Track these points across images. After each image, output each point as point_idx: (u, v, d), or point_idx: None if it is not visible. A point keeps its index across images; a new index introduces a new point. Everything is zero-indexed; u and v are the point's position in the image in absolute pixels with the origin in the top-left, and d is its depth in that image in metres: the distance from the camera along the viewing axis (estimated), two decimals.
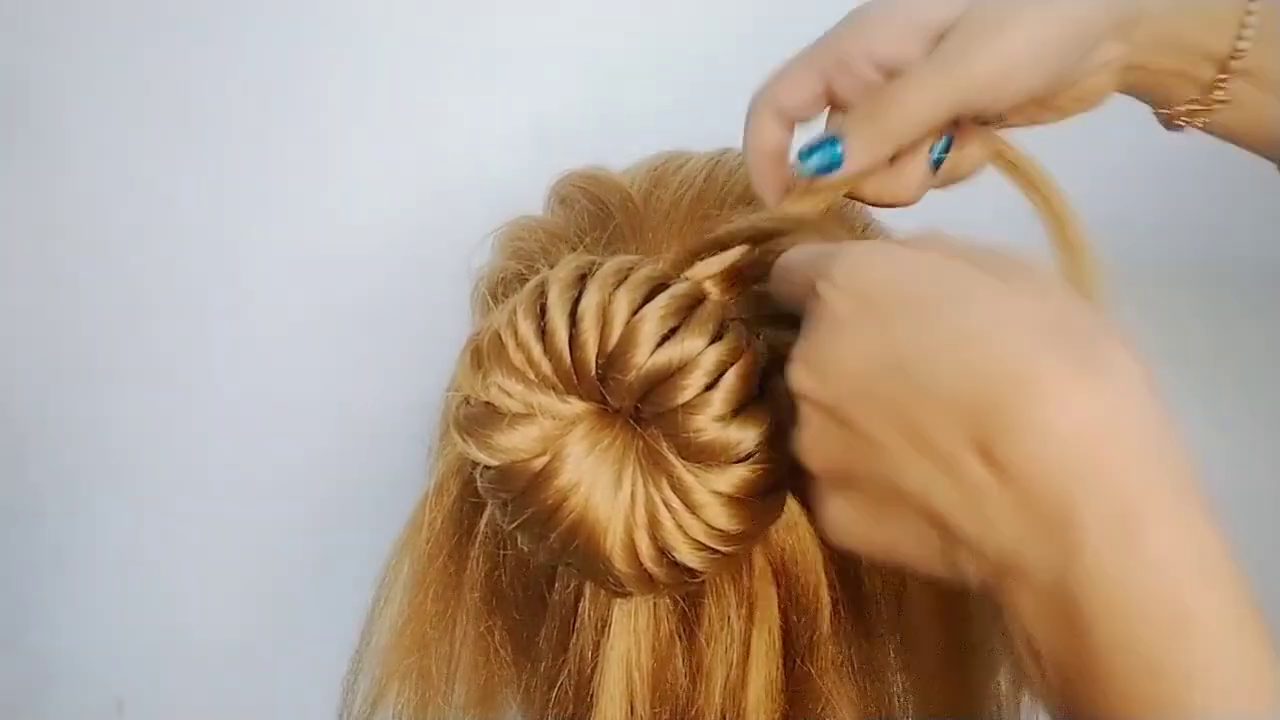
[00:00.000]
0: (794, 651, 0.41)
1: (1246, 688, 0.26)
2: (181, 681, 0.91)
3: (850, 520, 0.32)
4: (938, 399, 0.28)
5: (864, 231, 0.45)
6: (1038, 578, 0.27)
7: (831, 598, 0.41)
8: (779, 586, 0.40)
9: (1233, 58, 0.41)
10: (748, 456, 0.36)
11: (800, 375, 0.32)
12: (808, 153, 0.39)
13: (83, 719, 0.93)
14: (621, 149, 0.49)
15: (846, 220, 0.45)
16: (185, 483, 0.87)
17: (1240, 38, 0.41)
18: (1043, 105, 0.41)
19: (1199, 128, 0.44)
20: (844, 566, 0.41)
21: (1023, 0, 0.37)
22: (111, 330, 0.85)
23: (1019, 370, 0.27)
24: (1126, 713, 0.26)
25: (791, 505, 0.40)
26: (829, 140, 0.38)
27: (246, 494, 0.86)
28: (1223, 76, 0.41)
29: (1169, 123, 0.44)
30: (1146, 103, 0.44)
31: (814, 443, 0.32)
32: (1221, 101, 0.42)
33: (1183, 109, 0.43)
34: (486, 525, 0.42)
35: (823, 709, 0.41)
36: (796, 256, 0.36)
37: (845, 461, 0.31)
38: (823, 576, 0.40)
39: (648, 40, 0.76)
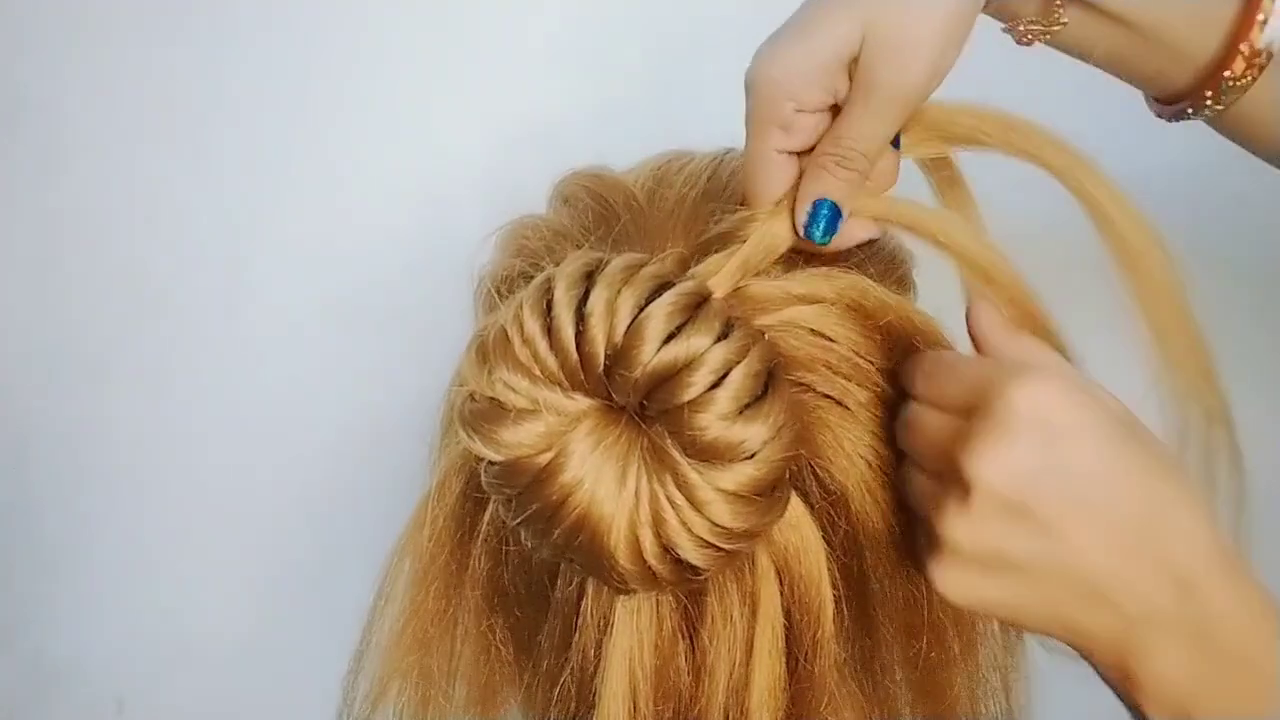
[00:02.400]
0: (797, 650, 0.41)
1: None
2: (181, 681, 0.90)
3: (983, 592, 0.37)
4: (1124, 518, 0.36)
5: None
6: (1178, 625, 0.36)
7: (834, 596, 0.41)
8: (782, 585, 0.40)
9: None
10: (752, 454, 0.36)
11: (985, 466, 0.36)
12: (814, 225, 0.41)
13: (83, 719, 0.93)
14: (623, 149, 0.49)
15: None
16: (185, 482, 0.87)
17: None
18: None
19: (1044, 43, 0.45)
20: (847, 565, 0.41)
21: (907, 11, 0.39)
22: (111, 330, 0.85)
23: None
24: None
25: (794, 503, 0.40)
26: (819, 205, 0.41)
27: (247, 493, 0.86)
28: (1059, 2, 0.43)
29: (1020, 40, 0.46)
30: (998, 19, 0.46)
31: (979, 528, 0.36)
32: (1060, 24, 0.44)
33: (1023, 28, 0.45)
34: (489, 523, 0.42)
35: (826, 707, 0.41)
36: (964, 361, 0.39)
37: (1008, 545, 0.36)
38: (825, 575, 0.40)
39: (649, 40, 0.76)
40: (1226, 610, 0.35)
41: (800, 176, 0.42)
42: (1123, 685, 0.37)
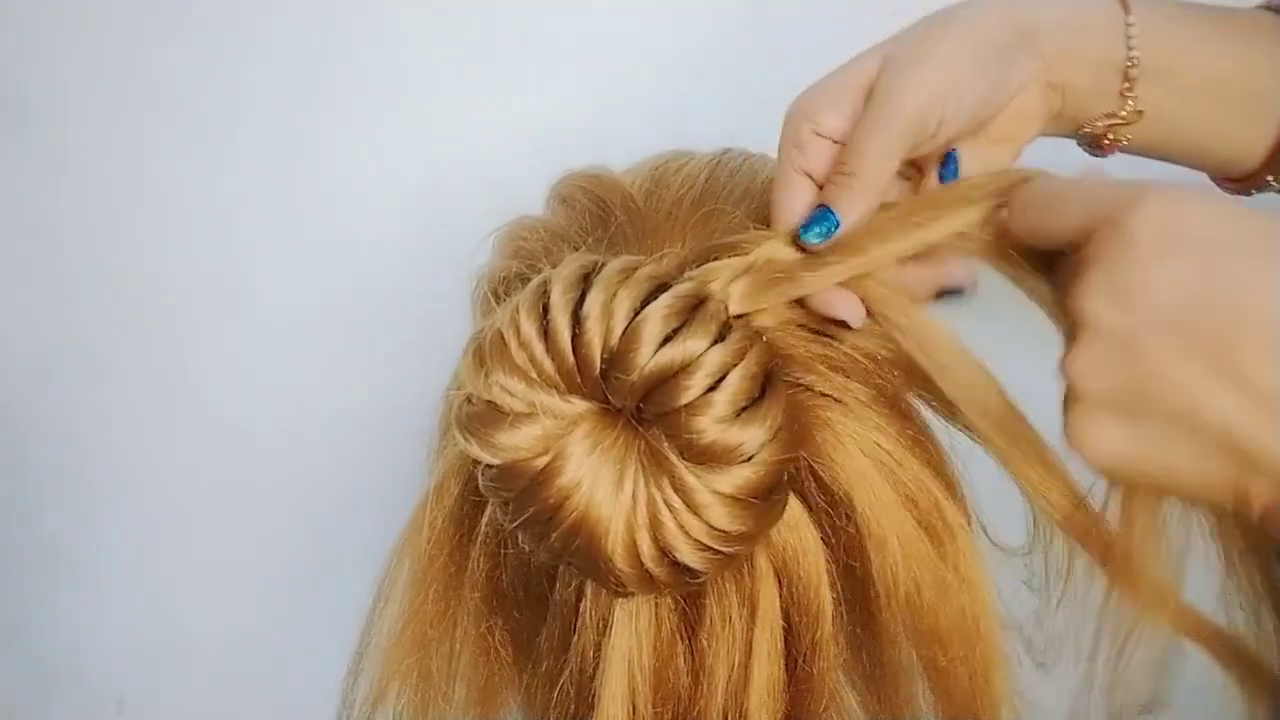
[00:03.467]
0: (796, 651, 0.41)
1: None
2: (181, 681, 0.90)
3: (1123, 442, 0.34)
4: (1262, 337, 0.30)
5: None
6: None
7: (834, 597, 0.41)
8: (781, 586, 0.40)
9: (1129, 65, 0.43)
10: (750, 457, 0.36)
11: (1099, 303, 0.33)
12: (807, 227, 0.41)
13: (83, 719, 0.93)
14: (621, 149, 0.49)
15: None
16: (185, 482, 0.87)
17: (1129, 46, 0.43)
18: (989, 138, 0.44)
19: (1123, 146, 0.45)
20: (849, 566, 0.41)
21: (936, 36, 0.41)
22: (111, 330, 0.85)
23: None
24: None
25: (793, 505, 0.40)
26: (821, 211, 0.41)
27: (247, 494, 0.86)
28: (1127, 85, 0.43)
29: (1097, 146, 0.46)
30: (1073, 136, 0.46)
31: (1099, 367, 0.33)
32: (1137, 112, 0.44)
33: (1102, 125, 0.44)
34: (487, 524, 0.42)
35: (825, 709, 0.41)
36: (1074, 189, 0.36)
37: (1134, 388, 0.32)
38: (824, 577, 0.40)
39: (647, 40, 0.76)
40: None
41: None
42: None
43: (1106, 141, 0.45)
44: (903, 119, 0.40)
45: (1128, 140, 0.45)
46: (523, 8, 0.76)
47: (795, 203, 0.42)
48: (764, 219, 0.43)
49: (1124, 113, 0.44)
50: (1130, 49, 0.43)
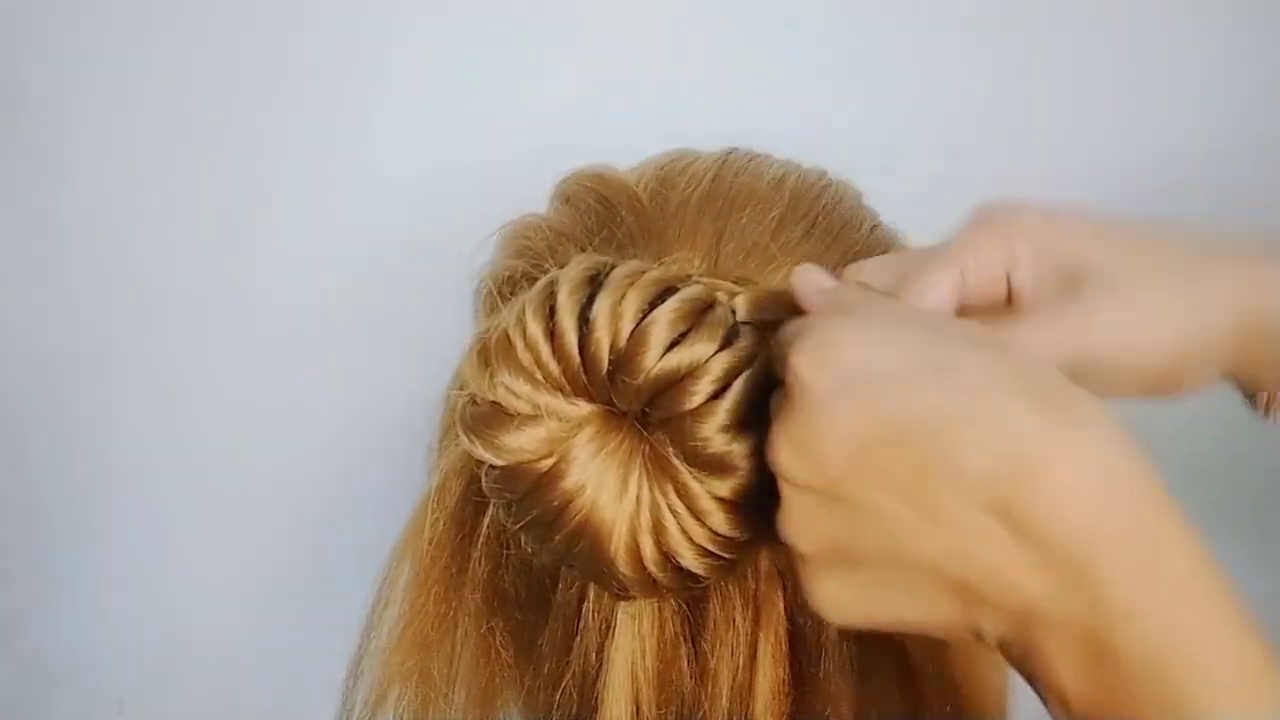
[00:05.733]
0: (801, 653, 0.41)
1: (1255, 689, 0.28)
2: (181, 681, 0.90)
3: (850, 598, 0.32)
4: (947, 470, 0.29)
5: (871, 231, 0.45)
6: (1066, 623, 0.28)
7: None
8: (785, 589, 0.40)
9: None
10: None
11: (785, 457, 0.31)
12: None
13: (82, 719, 0.93)
14: (625, 147, 0.49)
15: (854, 223, 0.44)
16: (186, 482, 0.87)
17: None
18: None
19: None
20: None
21: (1164, 274, 0.36)
22: (112, 330, 0.85)
23: (1021, 435, 0.28)
24: None
25: None
26: None
27: (247, 494, 0.86)
28: None
29: (1262, 411, 0.41)
30: (1240, 389, 0.42)
31: (804, 524, 0.32)
32: None
33: (1265, 396, 0.40)
34: (489, 525, 0.42)
35: (830, 711, 0.41)
36: (781, 333, 0.35)
37: (842, 539, 0.31)
38: None
39: (650, 38, 0.75)
40: (1129, 594, 0.28)
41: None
42: (1042, 696, 0.31)
43: (1267, 412, 0.41)
44: (1077, 346, 0.35)
45: None
46: (523, 7, 0.76)
47: (940, 291, 0.37)
48: (767, 224, 0.43)
49: None
50: None
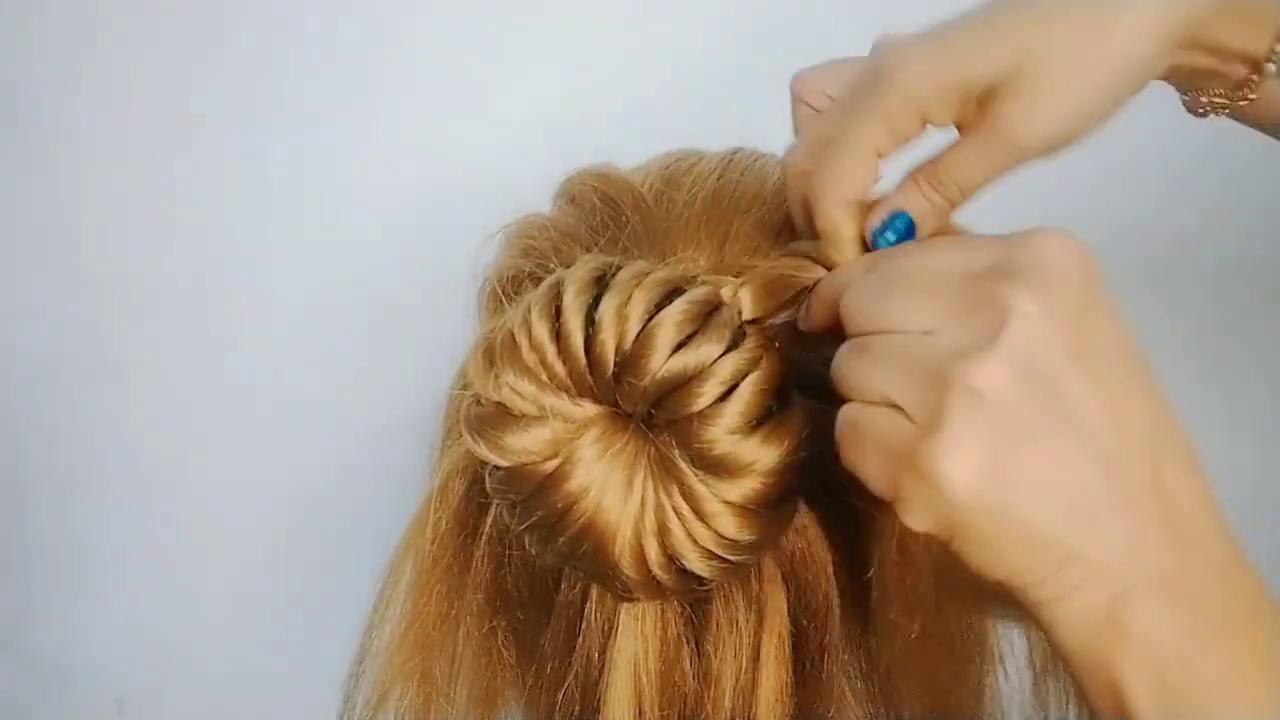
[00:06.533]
0: (804, 655, 0.40)
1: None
2: (181, 681, 0.90)
3: (997, 470, 0.31)
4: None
5: None
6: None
7: (841, 602, 0.40)
8: (788, 591, 0.40)
9: (1269, 60, 0.40)
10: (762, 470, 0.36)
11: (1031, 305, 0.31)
12: (881, 232, 0.38)
13: (83, 719, 0.92)
14: (627, 147, 0.48)
15: None
16: (185, 482, 0.87)
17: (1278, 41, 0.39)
18: None
19: (1223, 115, 0.43)
20: (854, 571, 0.41)
21: (1072, 52, 0.35)
22: (111, 330, 0.85)
23: None
24: None
25: (801, 508, 0.39)
26: (897, 217, 0.38)
27: (247, 493, 0.86)
28: (1255, 78, 0.40)
29: (1194, 110, 0.43)
30: (1175, 88, 0.44)
31: (999, 370, 0.31)
32: (1248, 99, 0.41)
33: (1206, 100, 0.42)
34: (492, 525, 0.42)
35: (834, 712, 0.41)
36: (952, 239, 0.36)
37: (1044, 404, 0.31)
38: (833, 580, 0.40)
39: (652, 38, 0.75)
40: (1214, 574, 0.31)
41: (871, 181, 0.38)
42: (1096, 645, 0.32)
43: (1202, 112, 0.43)
44: (1017, 153, 0.37)
45: (1227, 114, 0.42)
46: (524, 7, 0.76)
47: (858, 183, 0.38)
48: (772, 225, 0.42)
49: (1234, 98, 0.41)
50: (1278, 45, 0.39)
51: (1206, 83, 0.42)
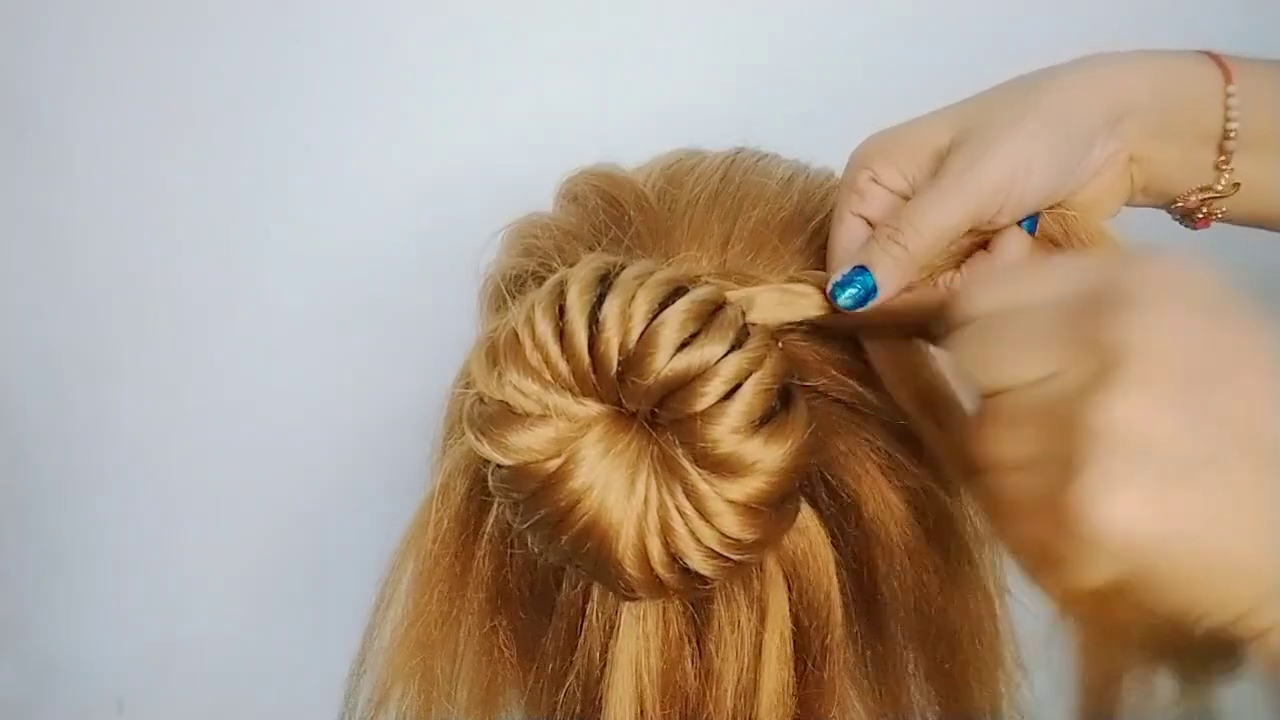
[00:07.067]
0: (806, 655, 0.40)
1: None
2: (181, 681, 0.90)
3: (1171, 505, 0.30)
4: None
5: None
6: None
7: (843, 601, 0.40)
8: (790, 590, 0.40)
9: (1226, 138, 0.41)
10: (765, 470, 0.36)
11: (1147, 337, 0.30)
12: (841, 287, 0.40)
13: (83, 719, 0.92)
14: (629, 147, 0.49)
15: None
16: (185, 482, 0.87)
17: (1228, 118, 0.41)
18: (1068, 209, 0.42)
19: (1220, 217, 0.43)
20: (856, 571, 0.41)
21: (1016, 112, 0.39)
22: (111, 330, 0.85)
23: None
24: None
25: (803, 509, 0.39)
26: (858, 271, 0.40)
27: (247, 493, 0.86)
28: (1223, 158, 0.41)
29: (1190, 220, 0.44)
30: (1165, 208, 0.44)
31: (1148, 408, 0.30)
32: (1234, 185, 0.42)
33: (1195, 198, 0.43)
34: (493, 524, 0.42)
35: (836, 712, 0.41)
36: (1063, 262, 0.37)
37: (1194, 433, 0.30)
38: (834, 580, 0.40)
39: (655, 38, 0.75)
40: None
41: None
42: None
43: (1200, 216, 0.43)
44: (967, 205, 0.39)
45: (1223, 213, 0.43)
46: (523, 6, 0.76)
47: (850, 243, 0.41)
48: (776, 225, 0.42)
49: (1219, 186, 0.42)
50: (1229, 121, 0.40)
51: (1182, 177, 0.42)
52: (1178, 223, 0.45)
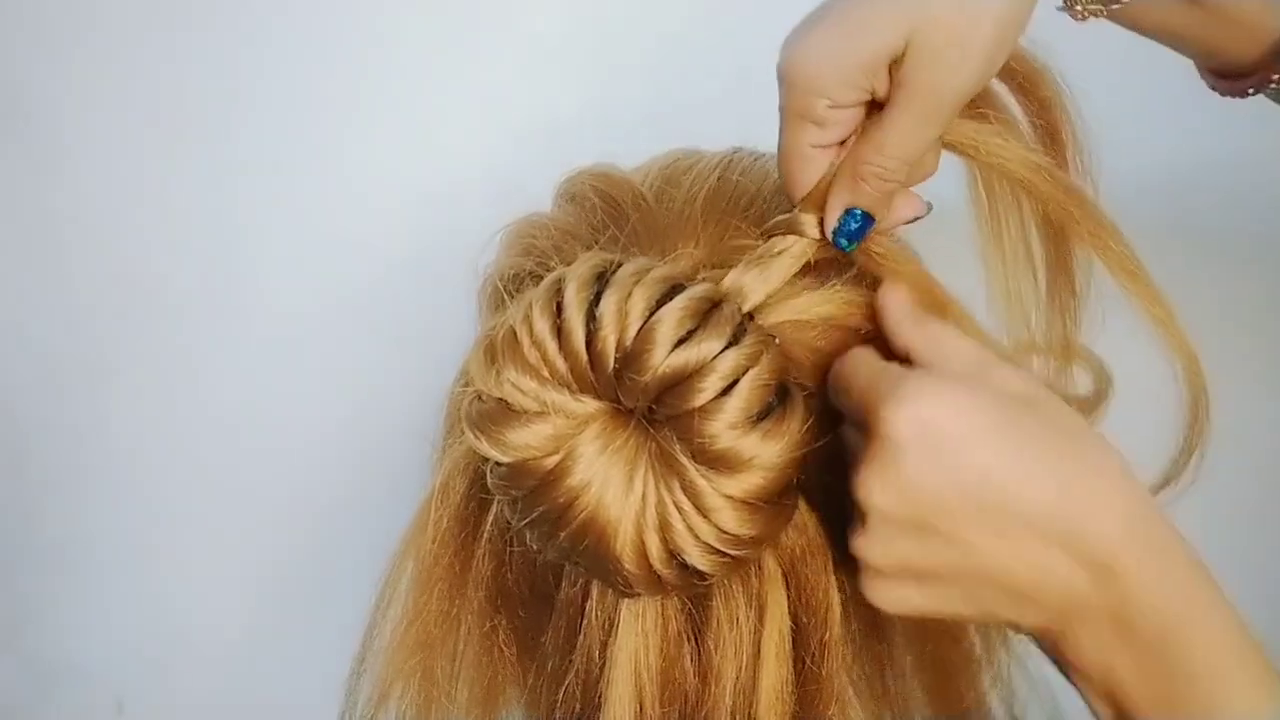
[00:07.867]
0: (804, 652, 0.41)
1: (1241, 657, 0.34)
2: (181, 681, 0.90)
3: (913, 601, 0.37)
4: (1029, 514, 0.34)
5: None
6: (1100, 611, 0.35)
7: (841, 599, 0.40)
8: (789, 588, 0.40)
9: None
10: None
11: (875, 493, 0.35)
12: (839, 234, 0.40)
13: (83, 719, 0.92)
14: (627, 147, 0.49)
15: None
16: (185, 482, 0.87)
17: None
18: None
19: (1104, 17, 0.43)
20: (854, 569, 0.41)
21: (961, 11, 0.36)
22: (111, 330, 0.85)
23: (1089, 489, 0.35)
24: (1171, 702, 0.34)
25: (801, 506, 0.39)
26: (849, 215, 0.40)
27: (247, 493, 0.86)
28: None
29: (1073, 13, 0.44)
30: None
31: (884, 548, 0.36)
32: (1119, 2, 0.42)
33: (1080, 5, 0.43)
34: (493, 523, 0.42)
35: (835, 709, 0.41)
36: (855, 374, 0.38)
37: (916, 560, 0.36)
38: (832, 578, 0.40)
39: (652, 37, 0.75)
40: (1147, 588, 0.34)
41: (832, 170, 0.40)
42: (1066, 673, 0.37)
43: (1082, 17, 0.43)
44: (949, 110, 0.38)
45: (1101, 16, 0.43)
46: (523, 7, 0.76)
47: (810, 178, 0.40)
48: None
49: (1106, 1, 0.42)
50: None
51: None
52: (1061, 10, 0.44)
